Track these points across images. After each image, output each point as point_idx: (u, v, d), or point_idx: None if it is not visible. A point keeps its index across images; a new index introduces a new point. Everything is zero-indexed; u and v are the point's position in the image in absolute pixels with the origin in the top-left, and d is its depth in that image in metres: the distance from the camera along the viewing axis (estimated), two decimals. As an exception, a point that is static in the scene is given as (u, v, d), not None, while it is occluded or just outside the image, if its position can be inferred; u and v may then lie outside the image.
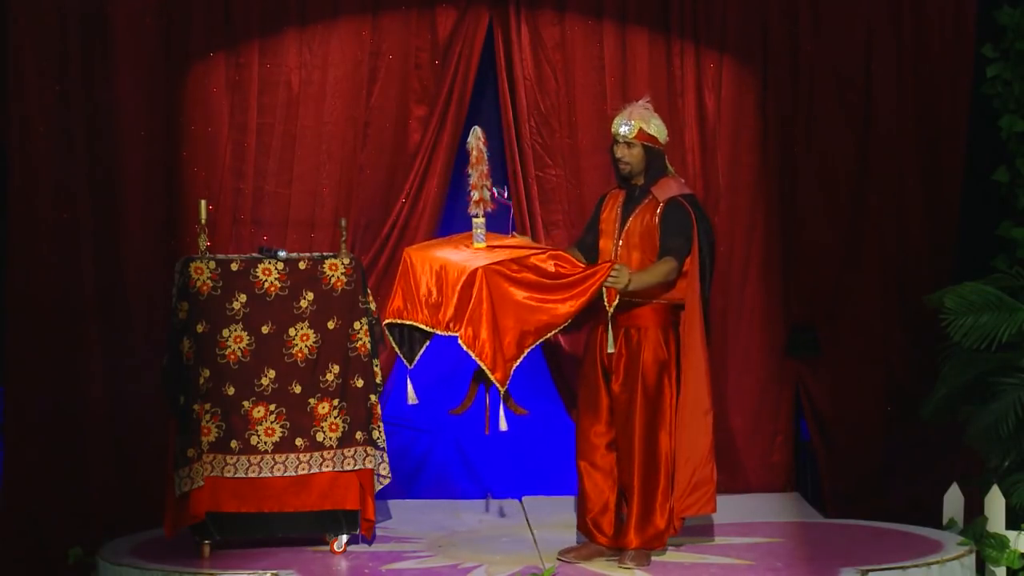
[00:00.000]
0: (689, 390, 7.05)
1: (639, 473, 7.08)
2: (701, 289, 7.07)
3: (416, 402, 7.15)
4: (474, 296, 6.79)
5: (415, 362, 7.09)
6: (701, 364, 7.05)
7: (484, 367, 6.79)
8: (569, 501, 7.92)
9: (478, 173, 7.12)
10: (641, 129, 7.12)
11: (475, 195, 7.12)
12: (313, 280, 7.23)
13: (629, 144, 7.13)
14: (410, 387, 7.12)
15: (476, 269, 6.81)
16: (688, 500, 7.07)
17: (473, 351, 6.80)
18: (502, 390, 6.84)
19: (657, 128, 7.15)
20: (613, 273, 6.90)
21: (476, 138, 7.16)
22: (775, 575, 6.87)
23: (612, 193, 7.28)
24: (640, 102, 7.20)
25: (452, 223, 8.34)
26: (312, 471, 7.21)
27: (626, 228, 7.14)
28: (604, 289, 6.94)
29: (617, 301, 7.01)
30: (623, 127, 7.13)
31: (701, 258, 7.06)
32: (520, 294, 6.88)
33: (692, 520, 7.67)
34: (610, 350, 7.07)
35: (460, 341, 6.80)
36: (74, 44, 7.96)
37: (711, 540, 7.45)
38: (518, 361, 6.86)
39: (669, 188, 7.12)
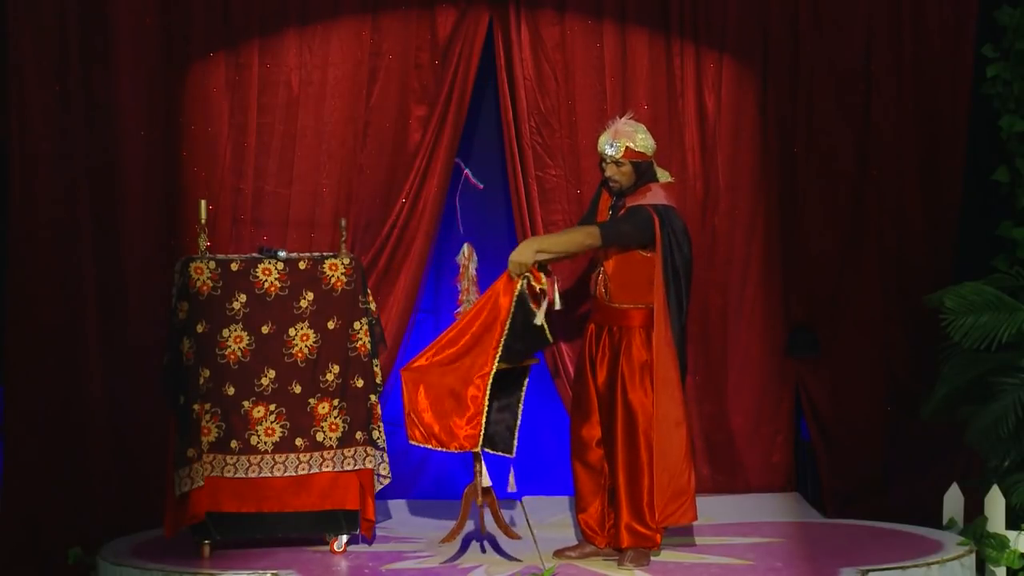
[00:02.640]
0: (660, 402, 7.04)
1: (623, 472, 7.10)
2: (671, 300, 7.04)
3: (515, 490, 7.26)
4: (405, 399, 7.01)
5: (514, 451, 7.17)
6: (671, 376, 7.04)
7: (451, 450, 6.96)
8: (569, 501, 7.93)
9: (463, 289, 7.24)
10: (628, 148, 7.12)
11: (461, 308, 7.25)
12: (313, 280, 7.23)
13: (618, 163, 7.15)
14: (512, 477, 7.19)
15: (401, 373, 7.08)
16: (667, 509, 7.06)
17: (432, 445, 6.97)
18: (476, 450, 6.96)
19: (643, 142, 7.15)
20: (513, 262, 6.97)
21: (463, 256, 7.27)
22: (775, 575, 6.87)
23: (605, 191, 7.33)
24: (623, 119, 7.22)
25: (452, 223, 8.35)
26: (312, 471, 7.21)
27: None
28: (526, 283, 6.98)
29: (544, 283, 7.05)
30: (609, 148, 7.14)
31: (669, 268, 7.04)
32: (445, 365, 6.99)
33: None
34: (537, 322, 7.03)
35: (415, 443, 7.00)
36: (74, 44, 7.96)
37: (711, 540, 7.44)
38: (483, 415, 6.93)
39: (643, 196, 7.13)
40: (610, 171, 7.17)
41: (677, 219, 7.14)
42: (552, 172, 8.28)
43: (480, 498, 7.17)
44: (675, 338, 7.05)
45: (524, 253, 7.01)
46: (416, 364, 7.06)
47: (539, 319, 6.99)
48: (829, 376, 8.45)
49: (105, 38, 7.98)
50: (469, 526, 7.28)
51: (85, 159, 8.00)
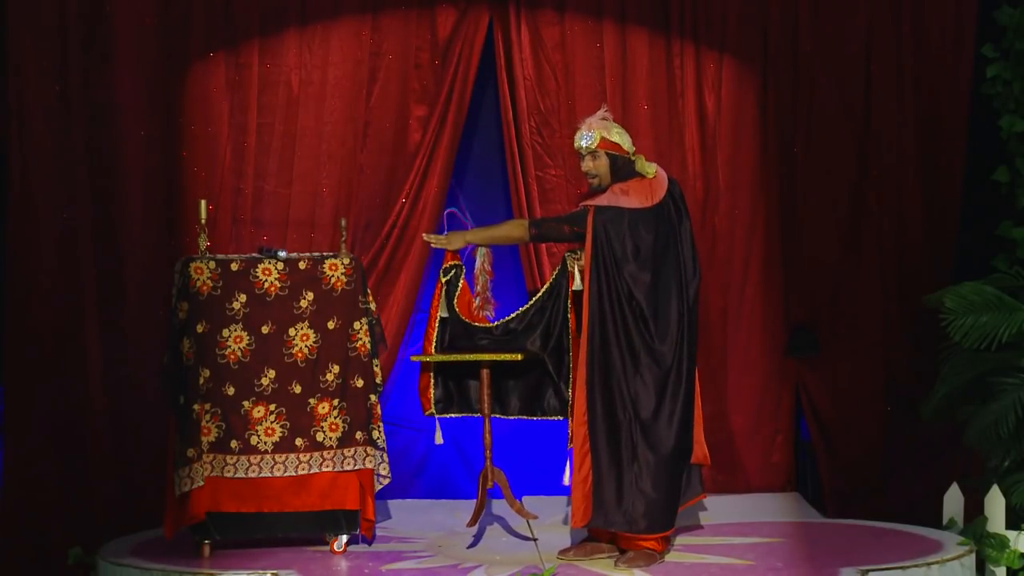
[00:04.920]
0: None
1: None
2: (592, 299, 6.98)
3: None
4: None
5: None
6: (580, 373, 7.04)
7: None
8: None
9: (481, 299, 7.43)
10: (603, 137, 7.12)
11: (475, 310, 7.44)
12: (313, 280, 7.23)
13: (594, 155, 7.14)
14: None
15: None
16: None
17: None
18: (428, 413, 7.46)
19: (619, 135, 7.15)
20: (443, 241, 7.33)
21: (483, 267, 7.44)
22: (775, 575, 6.87)
23: None
24: (597, 113, 7.21)
25: (451, 223, 8.35)
26: (312, 471, 7.21)
27: None
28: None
29: (452, 262, 7.34)
30: (584, 139, 7.15)
31: (599, 267, 7.00)
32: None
33: (691, 520, 7.68)
34: (442, 314, 7.30)
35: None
36: (74, 44, 7.96)
37: (711, 540, 7.45)
38: (429, 389, 7.41)
39: (600, 196, 7.12)
40: (586, 165, 7.17)
41: (620, 220, 7.06)
42: (552, 172, 8.28)
43: (491, 477, 7.20)
44: (590, 350, 6.99)
45: (453, 241, 7.31)
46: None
47: (443, 309, 7.33)
48: (829, 376, 8.45)
49: (105, 38, 7.98)
50: (470, 529, 7.31)
51: (85, 159, 8.00)
